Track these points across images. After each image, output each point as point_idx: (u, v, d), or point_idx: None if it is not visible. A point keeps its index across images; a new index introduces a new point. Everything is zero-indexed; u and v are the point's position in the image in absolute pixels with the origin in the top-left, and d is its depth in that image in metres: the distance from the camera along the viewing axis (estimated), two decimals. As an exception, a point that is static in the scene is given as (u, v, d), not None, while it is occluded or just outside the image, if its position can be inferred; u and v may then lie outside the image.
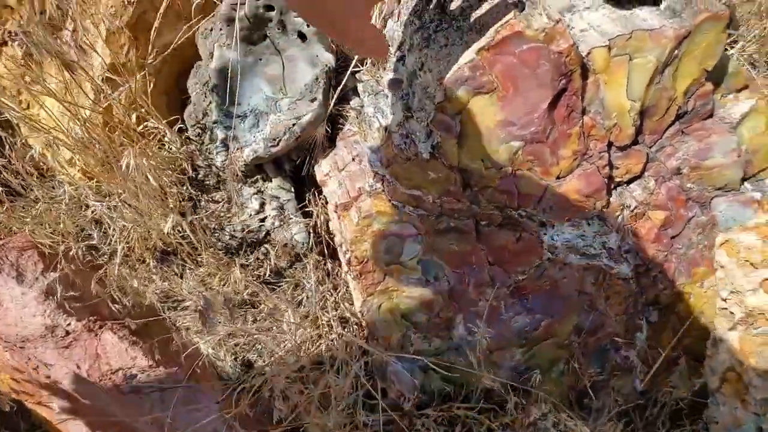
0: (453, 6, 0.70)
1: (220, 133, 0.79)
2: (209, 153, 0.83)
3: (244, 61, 0.78)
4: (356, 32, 0.59)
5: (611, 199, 0.78)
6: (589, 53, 0.69)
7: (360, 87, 0.82)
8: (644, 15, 0.72)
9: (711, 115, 0.78)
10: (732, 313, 0.74)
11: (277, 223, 0.84)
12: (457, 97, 0.68)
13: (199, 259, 0.84)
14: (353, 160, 0.77)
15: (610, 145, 0.74)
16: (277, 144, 0.76)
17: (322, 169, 0.79)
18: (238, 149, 0.79)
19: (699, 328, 0.85)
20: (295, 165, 0.86)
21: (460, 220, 0.75)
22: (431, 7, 0.71)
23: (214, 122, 0.80)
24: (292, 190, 0.86)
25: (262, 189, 0.85)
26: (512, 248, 0.78)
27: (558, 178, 0.75)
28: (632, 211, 0.79)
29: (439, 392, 0.85)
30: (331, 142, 0.82)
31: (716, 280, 0.76)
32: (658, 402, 0.85)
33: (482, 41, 0.66)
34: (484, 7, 0.68)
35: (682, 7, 0.71)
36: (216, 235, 0.85)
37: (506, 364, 0.84)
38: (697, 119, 0.78)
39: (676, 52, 0.70)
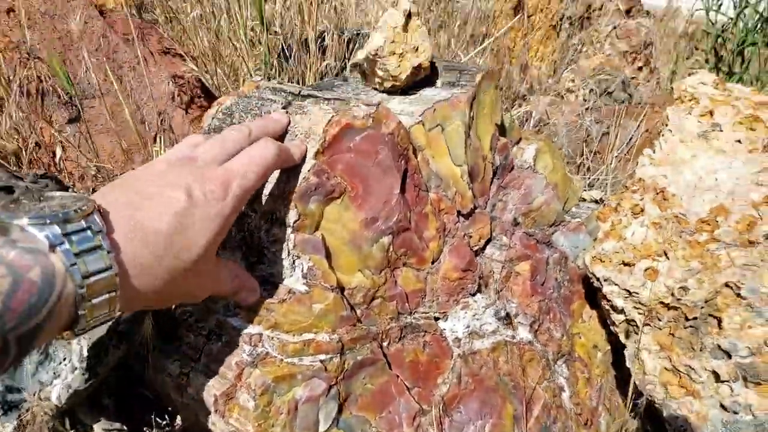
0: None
1: (-5, 390, 0.53)
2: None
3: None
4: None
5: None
6: (408, 132, 0.68)
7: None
8: (431, 93, 0.75)
9: (513, 167, 0.84)
10: (633, 320, 0.75)
11: (121, 483, 0.58)
12: (312, 211, 0.59)
13: None
14: (209, 340, 0.59)
15: (459, 214, 0.72)
16: (105, 358, 0.54)
17: (171, 370, 0.58)
18: (36, 399, 0.53)
19: (601, 364, 0.84)
20: (116, 395, 0.62)
21: (365, 350, 0.62)
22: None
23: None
24: (125, 428, 0.61)
25: (82, 446, 0.58)
26: (423, 360, 0.67)
27: (433, 262, 0.69)
28: (501, 273, 0.77)
29: None
30: (164, 341, 0.62)
31: (605, 297, 0.76)
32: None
33: (313, 145, 0.59)
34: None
35: (457, 78, 0.76)
36: None
37: (472, 500, 0.69)
38: (506, 172, 0.82)
39: (471, 113, 0.74)
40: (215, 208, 0.47)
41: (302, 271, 0.59)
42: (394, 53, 0.70)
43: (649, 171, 0.80)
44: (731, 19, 2.71)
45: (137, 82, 0.82)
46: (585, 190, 0.94)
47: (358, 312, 0.62)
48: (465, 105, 0.72)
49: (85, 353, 0.53)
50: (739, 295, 0.68)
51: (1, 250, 0.34)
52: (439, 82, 0.77)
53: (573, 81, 1.53)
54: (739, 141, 0.80)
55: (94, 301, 0.38)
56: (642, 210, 0.77)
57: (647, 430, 0.78)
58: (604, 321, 0.84)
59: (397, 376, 0.65)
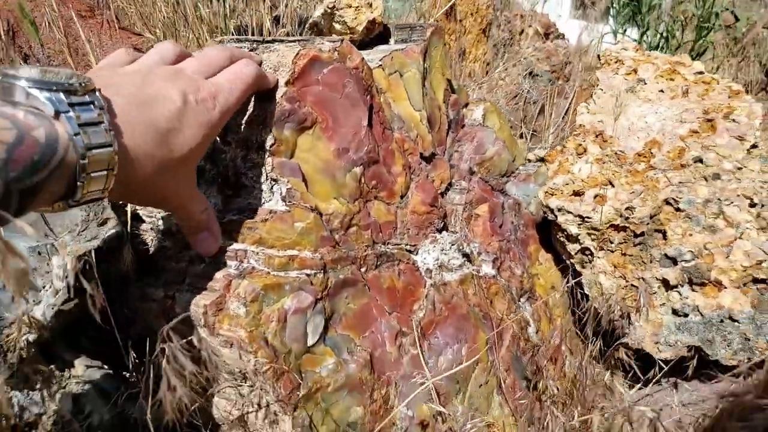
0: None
1: (-28, 319, 0.51)
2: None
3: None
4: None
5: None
6: (371, 70, 0.72)
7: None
8: (386, 47, 0.80)
9: (464, 124, 0.89)
10: (588, 248, 0.80)
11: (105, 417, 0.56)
12: (286, 137, 0.61)
13: None
14: (191, 263, 0.59)
15: (421, 156, 0.77)
16: (90, 272, 0.53)
17: (155, 295, 0.58)
18: (18, 323, 0.52)
19: (560, 304, 0.89)
20: (95, 336, 0.61)
21: (345, 271, 0.64)
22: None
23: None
24: (105, 366, 0.60)
25: (64, 384, 0.56)
26: (399, 287, 0.70)
27: (402, 197, 0.72)
28: (462, 215, 0.81)
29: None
30: (142, 274, 0.62)
31: (560, 229, 0.81)
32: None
33: (283, 75, 0.62)
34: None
35: (408, 35, 0.82)
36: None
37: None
38: (459, 127, 0.87)
39: (425, 65, 0.79)
40: (205, 116, 0.49)
41: (281, 194, 0.61)
42: (351, 6, 0.75)
43: (587, 118, 0.87)
44: (636, 40, 2.97)
45: (94, 54, 0.83)
46: (529, 151, 1.02)
47: (336, 237, 0.65)
48: (419, 55, 0.77)
49: (69, 267, 0.53)
50: (678, 209, 0.75)
51: (5, 108, 0.35)
52: (392, 40, 0.82)
53: (504, 80, 1.64)
54: (662, 91, 0.89)
55: (93, 174, 0.39)
56: (585, 150, 0.84)
57: (607, 359, 0.83)
58: (560, 262, 0.90)
59: (377, 299, 0.67)
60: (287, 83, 0.62)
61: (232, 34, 1.04)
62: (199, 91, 0.50)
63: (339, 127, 0.66)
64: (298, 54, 0.63)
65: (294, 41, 0.68)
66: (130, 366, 0.59)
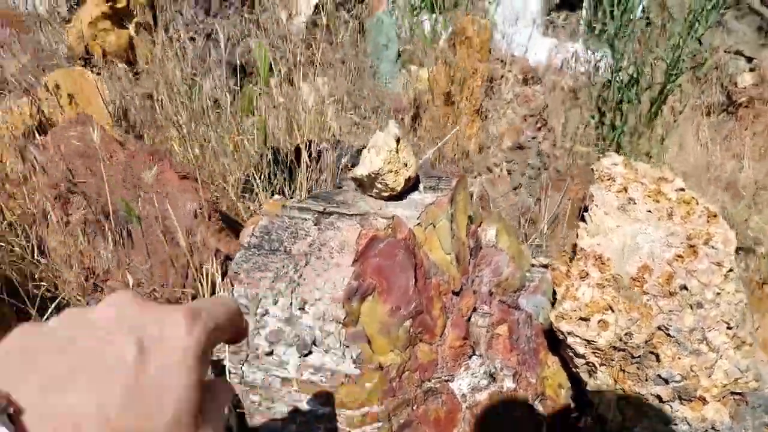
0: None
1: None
2: None
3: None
4: None
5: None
6: (415, 236, 0.85)
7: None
8: (418, 197, 0.93)
9: (481, 247, 1.03)
10: (592, 362, 0.94)
11: None
12: (354, 309, 0.74)
13: None
14: (284, 422, 0.71)
15: (452, 293, 0.90)
16: None
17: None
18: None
19: (565, 399, 1.03)
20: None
21: (403, 415, 0.77)
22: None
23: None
24: None
25: None
26: (442, 416, 0.83)
27: (441, 336, 0.86)
28: (485, 337, 0.94)
29: None
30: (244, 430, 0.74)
31: (568, 346, 0.96)
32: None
33: (350, 256, 0.75)
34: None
35: (436, 183, 0.95)
36: None
37: None
38: (477, 251, 1.01)
39: (451, 210, 0.92)
40: None
41: (352, 357, 0.74)
42: (391, 171, 0.87)
43: (586, 242, 1.02)
44: (608, 80, 3.15)
45: (161, 205, 0.94)
46: (533, 257, 1.16)
47: (394, 385, 0.78)
48: (447, 204, 0.90)
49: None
50: (668, 334, 0.89)
51: None
52: (421, 187, 0.95)
53: (496, 156, 1.78)
54: (650, 211, 1.04)
55: None
56: (587, 274, 0.98)
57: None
58: (566, 364, 1.04)
59: (426, 432, 0.80)
60: (354, 262, 0.74)
61: (298, 197, 1.15)
62: None
63: (392, 289, 0.78)
64: (360, 235, 0.76)
65: (351, 216, 0.80)
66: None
